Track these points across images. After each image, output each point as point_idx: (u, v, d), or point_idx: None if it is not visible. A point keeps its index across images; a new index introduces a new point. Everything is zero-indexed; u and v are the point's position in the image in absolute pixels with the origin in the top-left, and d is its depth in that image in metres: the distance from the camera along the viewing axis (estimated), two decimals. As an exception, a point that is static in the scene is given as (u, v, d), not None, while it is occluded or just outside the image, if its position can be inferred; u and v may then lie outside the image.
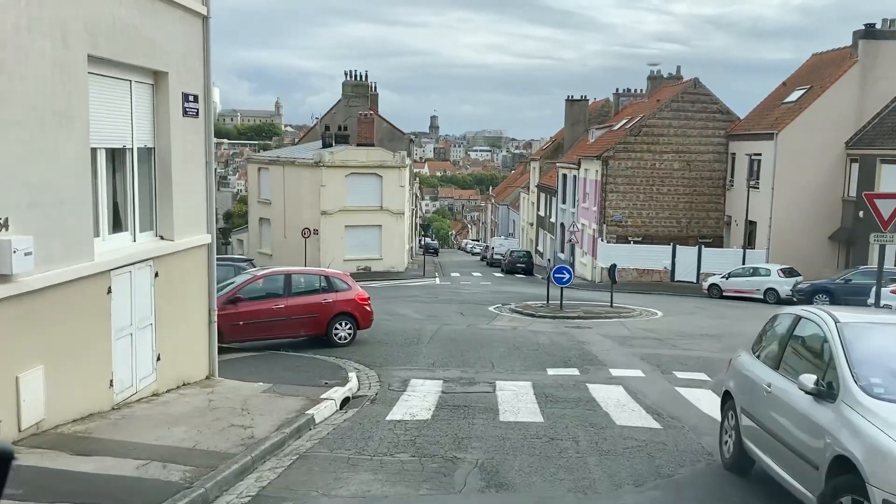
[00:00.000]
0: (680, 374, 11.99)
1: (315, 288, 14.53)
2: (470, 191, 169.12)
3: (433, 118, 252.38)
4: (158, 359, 9.08)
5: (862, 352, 4.97)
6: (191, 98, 9.63)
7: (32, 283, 6.48)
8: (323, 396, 9.53)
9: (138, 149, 8.78)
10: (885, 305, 23.39)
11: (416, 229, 60.70)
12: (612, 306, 22.87)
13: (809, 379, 4.95)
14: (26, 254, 6.26)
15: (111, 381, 8.04)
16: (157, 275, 8.92)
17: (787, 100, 34.40)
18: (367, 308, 14.70)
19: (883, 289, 24.11)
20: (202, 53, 9.96)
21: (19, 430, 6.50)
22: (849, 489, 4.27)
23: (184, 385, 9.76)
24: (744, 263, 31.03)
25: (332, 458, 7.02)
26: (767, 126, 33.44)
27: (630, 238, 36.79)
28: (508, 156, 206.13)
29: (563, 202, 45.59)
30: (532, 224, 57.89)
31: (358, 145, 40.34)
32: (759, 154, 33.47)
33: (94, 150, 7.74)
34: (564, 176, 45.43)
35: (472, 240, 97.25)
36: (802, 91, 33.74)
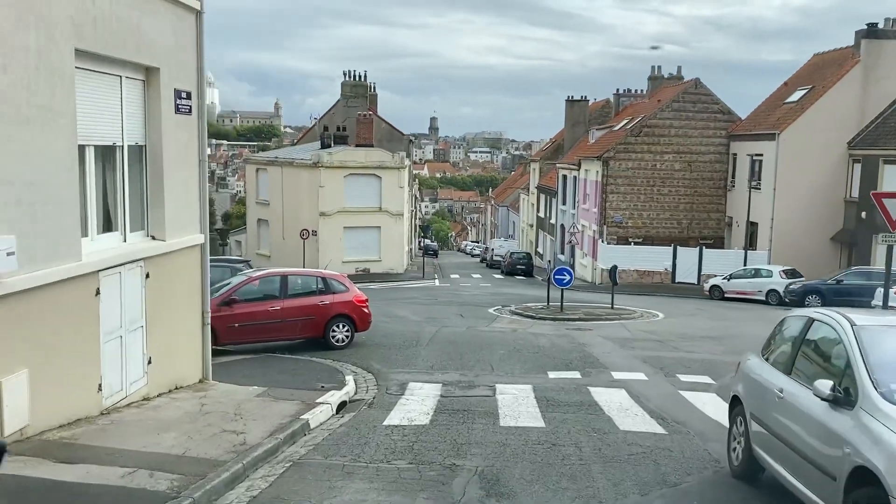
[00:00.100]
0: (683, 378, 11.76)
1: (312, 290, 14.30)
2: (469, 192, 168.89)
3: (433, 119, 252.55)
4: (150, 362, 8.84)
5: (881, 356, 4.73)
6: (183, 95, 9.40)
7: (15, 283, 6.25)
8: (319, 401, 9.30)
9: (129, 146, 8.54)
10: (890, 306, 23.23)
11: (415, 231, 60.46)
12: (612, 308, 22.64)
13: (825, 385, 4.72)
14: (8, 254, 6.02)
15: (100, 385, 7.80)
16: (148, 276, 8.69)
17: (789, 100, 34.19)
18: (365, 310, 14.46)
19: (881, 289, 24.04)
20: (195, 49, 9.72)
21: (1, 437, 6.27)
22: (870, 502, 4.04)
23: (176, 389, 9.52)
24: (745, 265, 30.81)
25: (327, 465, 6.78)
26: (769, 126, 33.22)
27: (630, 239, 36.56)
28: (508, 157, 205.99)
29: (564, 203, 45.36)
30: (532, 225, 57.66)
31: (357, 146, 40.11)
32: (761, 154, 33.26)
33: (82, 148, 7.50)
34: (564, 177, 45.21)
35: (472, 241, 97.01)
36: (804, 91, 33.53)
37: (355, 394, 10.37)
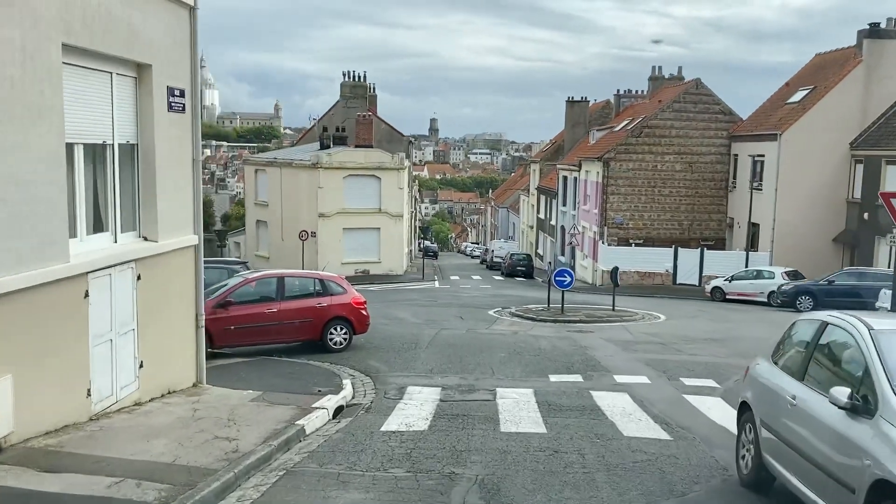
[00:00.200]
0: (687, 381, 11.54)
1: (309, 291, 14.07)
2: (469, 194, 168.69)
3: (433, 121, 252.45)
4: (141, 366, 8.62)
5: (901, 362, 4.51)
6: (176, 92, 9.19)
7: (-1, 286, 6.04)
8: (315, 405, 9.07)
9: (120, 145, 8.33)
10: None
11: (415, 232, 60.23)
12: (614, 310, 22.42)
13: (842, 392, 4.50)
14: (-9, 255, 5.81)
15: (88, 390, 7.58)
16: (139, 277, 8.47)
17: (791, 100, 33.98)
18: (364, 312, 14.24)
19: (889, 291, 23.84)
20: (189, 46, 9.52)
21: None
22: (893, 517, 3.82)
23: (169, 393, 9.30)
24: (747, 266, 30.59)
25: (322, 473, 6.55)
26: (771, 127, 33.01)
27: (631, 240, 36.34)
28: (508, 158, 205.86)
29: (564, 204, 45.15)
30: (532, 227, 57.45)
31: (356, 147, 39.90)
32: (763, 155, 33.05)
33: (70, 146, 7.30)
34: (565, 178, 45.00)
35: (472, 243, 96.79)
36: (806, 91, 33.32)
37: (353, 398, 10.15)
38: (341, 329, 13.88)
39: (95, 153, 8.06)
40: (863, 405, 4.44)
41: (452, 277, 42.48)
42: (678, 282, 34.24)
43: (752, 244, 33.05)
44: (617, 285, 24.08)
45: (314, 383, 10.65)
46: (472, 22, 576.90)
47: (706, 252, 34.38)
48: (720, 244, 36.48)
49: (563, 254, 43.45)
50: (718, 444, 7.86)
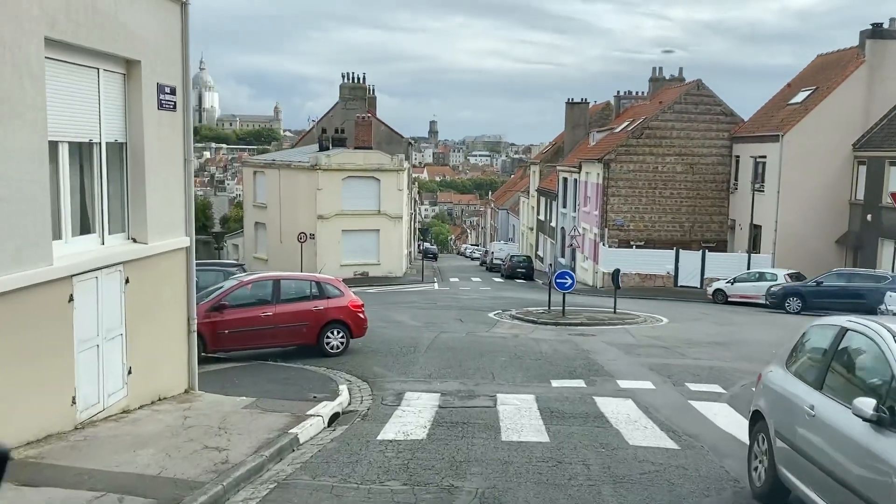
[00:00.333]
0: (692, 386, 11.25)
1: (305, 294, 13.78)
2: (469, 195, 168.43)
3: (432, 123, 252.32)
4: (130, 372, 8.33)
5: (929, 372, 4.23)
6: (167, 89, 8.91)
7: (-25, 290, 5.75)
8: (310, 413, 8.79)
9: (107, 143, 8.05)
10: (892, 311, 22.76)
11: (414, 234, 59.94)
12: (615, 312, 22.13)
13: (867, 404, 4.22)
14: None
15: (73, 397, 7.29)
16: (127, 281, 8.19)
17: (793, 101, 33.72)
18: (361, 315, 13.95)
19: (891, 293, 23.57)
20: (181, 42, 9.25)
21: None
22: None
23: (159, 400, 9.02)
24: (749, 268, 30.31)
25: (315, 486, 6.26)
26: (772, 128, 32.75)
27: (632, 242, 36.06)
28: (508, 160, 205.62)
29: (564, 206, 44.87)
30: (532, 229, 57.16)
31: (355, 148, 39.65)
32: (764, 156, 32.79)
33: (54, 144, 7.02)
34: (565, 179, 44.73)
35: (472, 244, 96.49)
36: (808, 92, 33.07)
37: (349, 404, 9.87)
38: (338, 333, 13.60)
39: (82, 152, 7.78)
40: (890, 417, 4.16)
41: (452, 279, 42.19)
42: (679, 284, 33.96)
43: (754, 246, 32.78)
44: (619, 288, 23.79)
45: (310, 389, 10.37)
46: (472, 25, 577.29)
47: (708, 254, 34.11)
48: (721, 246, 36.21)
49: (563, 256, 43.17)
50: (727, 453, 7.58)
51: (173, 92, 9.07)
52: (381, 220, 38.61)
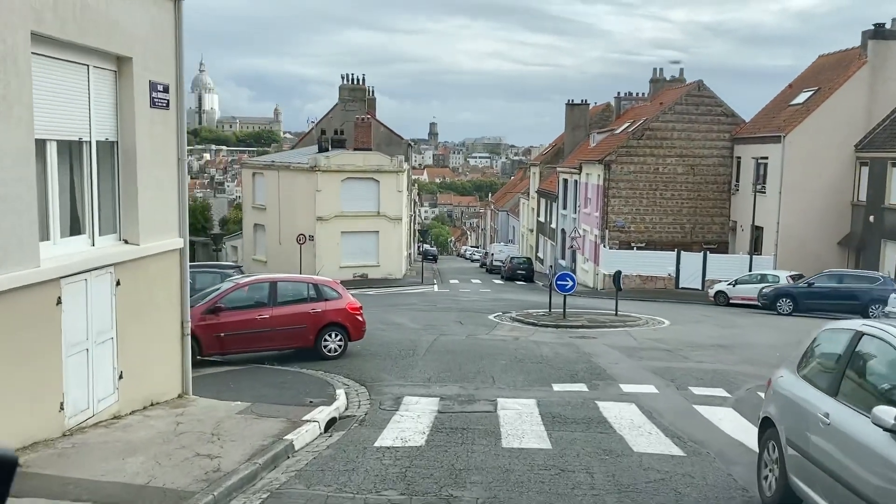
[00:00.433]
0: (696, 390, 11.05)
1: (303, 297, 13.56)
2: (469, 197, 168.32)
3: (432, 125, 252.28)
4: (121, 377, 8.13)
5: (953, 379, 4.03)
6: (160, 87, 8.71)
7: (-43, 293, 5.55)
8: (306, 418, 8.58)
9: (98, 142, 7.85)
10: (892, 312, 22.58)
11: (414, 236, 59.72)
12: (616, 315, 21.92)
13: (889, 413, 4.01)
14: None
15: (61, 403, 7.09)
16: (118, 283, 7.98)
17: (794, 102, 33.53)
18: (359, 318, 13.74)
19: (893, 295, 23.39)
20: (174, 39, 9.04)
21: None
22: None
23: (151, 405, 8.81)
24: (750, 270, 30.10)
25: (309, 496, 6.05)
26: (774, 129, 32.55)
27: (633, 244, 35.85)
28: (507, 162, 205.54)
29: (564, 208, 44.67)
30: (532, 230, 56.96)
31: (355, 150, 39.44)
32: (766, 157, 32.59)
33: (41, 142, 6.82)
34: (565, 181, 44.53)
35: (472, 246, 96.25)
36: (810, 93, 32.87)
37: (346, 409, 9.65)
38: (336, 336, 13.39)
39: (72, 151, 7.59)
40: (912, 427, 3.95)
41: (452, 281, 41.98)
42: (681, 286, 33.74)
43: (756, 248, 32.58)
44: (620, 289, 23.58)
45: (306, 393, 10.15)
46: (471, 27, 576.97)
47: (709, 256, 33.90)
48: (723, 248, 36.00)
49: (563, 257, 42.96)
50: (734, 460, 7.37)
51: (166, 90, 8.87)
52: (381, 222, 38.40)
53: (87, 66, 7.54)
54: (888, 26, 31.34)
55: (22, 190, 6.33)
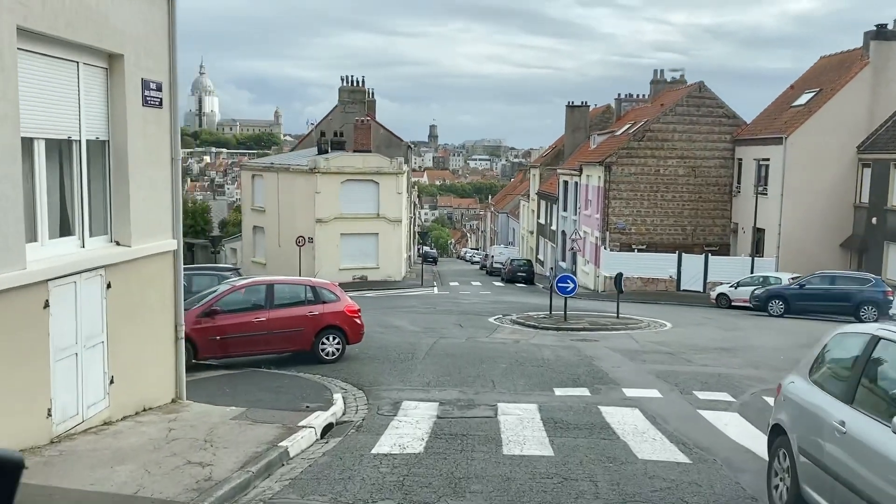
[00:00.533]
0: (700, 395, 10.84)
1: (300, 299, 13.37)
2: (469, 199, 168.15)
3: (432, 127, 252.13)
4: (112, 382, 7.92)
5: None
6: (152, 85, 8.51)
7: (-63, 296, 5.35)
8: (301, 424, 8.37)
9: (88, 141, 7.65)
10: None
11: (414, 238, 59.53)
12: (618, 317, 21.73)
13: (911, 421, 3.81)
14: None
15: (49, 409, 6.88)
16: (109, 285, 7.78)
17: (796, 103, 33.36)
18: (357, 321, 13.54)
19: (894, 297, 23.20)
20: (167, 36, 8.85)
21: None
22: None
23: (144, 411, 8.60)
24: (752, 272, 29.90)
25: (303, 506, 5.85)
26: (776, 130, 32.38)
27: (634, 246, 35.65)
28: (507, 165, 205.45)
29: (564, 210, 44.49)
30: (532, 232, 56.76)
31: (354, 151, 39.26)
32: (768, 159, 32.41)
33: (28, 141, 6.62)
34: (566, 183, 44.35)
35: (472, 248, 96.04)
36: (812, 94, 32.70)
37: (343, 414, 9.45)
38: (334, 339, 13.19)
39: (61, 150, 7.39)
40: (935, 437, 3.75)
41: (452, 283, 41.78)
42: (682, 288, 33.55)
43: (758, 250, 32.40)
44: (622, 292, 23.37)
45: (302, 398, 9.95)
46: (472, 30, 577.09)
47: (710, 258, 33.71)
48: (724, 250, 35.81)
49: (563, 259, 42.76)
50: (742, 468, 7.17)
51: (159, 88, 8.67)
52: (380, 224, 38.21)
53: (77, 62, 7.34)
54: (890, 27, 31.17)
55: (7, 188, 6.13)
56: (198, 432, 7.77)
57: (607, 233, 35.68)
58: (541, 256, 52.45)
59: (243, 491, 6.20)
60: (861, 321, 22.67)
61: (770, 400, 10.26)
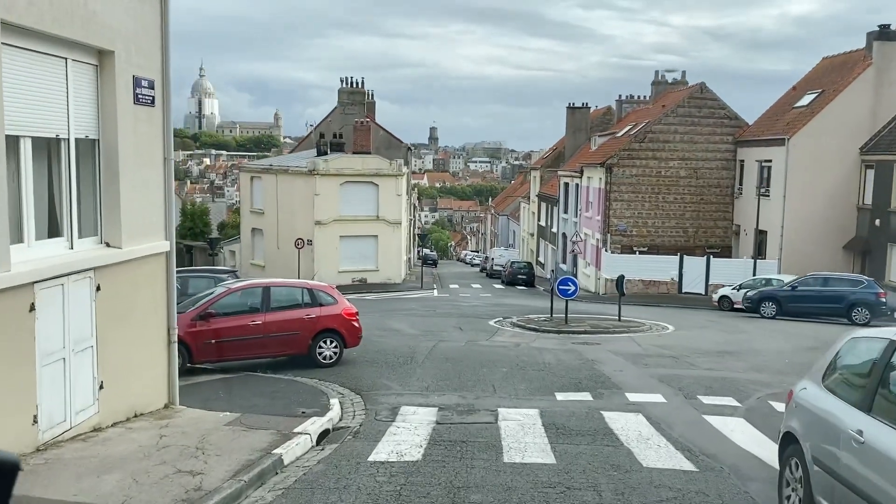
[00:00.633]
0: (705, 399, 10.62)
1: (297, 302, 13.14)
2: (469, 202, 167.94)
3: (432, 130, 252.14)
4: (101, 387, 7.71)
5: None
6: (144, 83, 8.32)
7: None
8: (297, 430, 8.15)
9: (77, 140, 7.45)
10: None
11: (414, 240, 59.35)
12: (620, 320, 21.50)
13: (936, 433, 3.59)
14: None
15: (35, 416, 6.66)
16: (99, 288, 7.57)
17: (798, 104, 33.15)
18: (355, 324, 13.32)
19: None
20: (160, 33, 8.66)
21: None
22: None
23: (135, 416, 8.39)
24: (755, 274, 29.67)
25: (296, 517, 5.63)
26: (778, 131, 32.17)
27: (635, 248, 35.42)
28: (508, 167, 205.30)
29: (565, 212, 44.27)
30: (532, 234, 56.55)
31: (354, 153, 39.07)
32: (770, 160, 32.17)
33: (13, 139, 6.43)
34: (566, 184, 44.14)
35: (472, 251, 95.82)
36: (814, 95, 32.49)
37: (340, 420, 9.23)
38: (331, 342, 12.97)
39: (50, 149, 7.19)
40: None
41: (452, 286, 41.56)
42: (684, 290, 33.31)
43: (760, 252, 32.17)
44: (623, 294, 23.15)
45: (298, 403, 9.73)
46: (472, 31, 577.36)
47: (712, 260, 33.47)
48: (726, 252, 35.56)
49: (564, 261, 42.54)
50: (750, 476, 6.95)
51: (151, 86, 8.47)
52: (380, 226, 37.99)
53: (66, 59, 7.15)
54: (893, 27, 30.98)
55: (-10, 188, 5.93)
56: (190, 439, 7.55)
57: (608, 235, 35.47)
58: (541, 259, 52.22)
59: (234, 501, 5.98)
60: (853, 323, 22.50)
61: (776, 404, 10.06)
